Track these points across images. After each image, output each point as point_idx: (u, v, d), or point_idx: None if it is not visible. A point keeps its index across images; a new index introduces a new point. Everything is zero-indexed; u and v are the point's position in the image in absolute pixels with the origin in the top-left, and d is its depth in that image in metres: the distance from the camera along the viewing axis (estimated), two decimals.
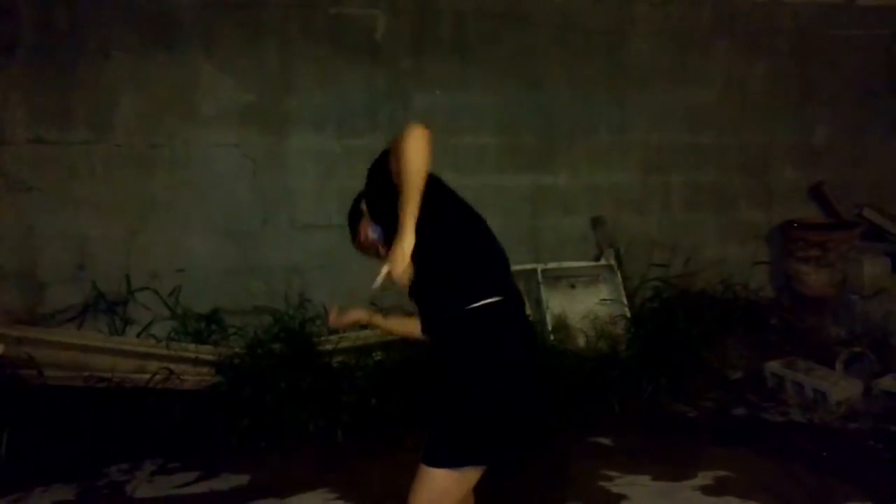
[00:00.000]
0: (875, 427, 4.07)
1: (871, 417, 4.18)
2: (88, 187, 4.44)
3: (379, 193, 2.14)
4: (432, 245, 2.01)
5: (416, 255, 1.95)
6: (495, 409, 2.01)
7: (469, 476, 2.04)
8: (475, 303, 2.03)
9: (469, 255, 2.12)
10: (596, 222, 5.23)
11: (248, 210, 4.70)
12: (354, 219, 2.39)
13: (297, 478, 3.53)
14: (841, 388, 4.34)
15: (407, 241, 1.93)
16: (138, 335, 4.49)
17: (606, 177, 5.30)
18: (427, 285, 2.09)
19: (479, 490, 2.21)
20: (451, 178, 5.35)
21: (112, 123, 4.44)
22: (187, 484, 3.51)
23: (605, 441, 3.94)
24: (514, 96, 5.04)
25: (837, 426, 4.12)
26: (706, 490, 3.40)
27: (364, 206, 2.29)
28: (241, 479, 3.54)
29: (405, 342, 3.70)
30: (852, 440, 3.94)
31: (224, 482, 3.51)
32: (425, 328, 2.24)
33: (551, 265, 5.00)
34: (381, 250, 2.24)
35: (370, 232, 2.26)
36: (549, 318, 4.79)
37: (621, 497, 3.34)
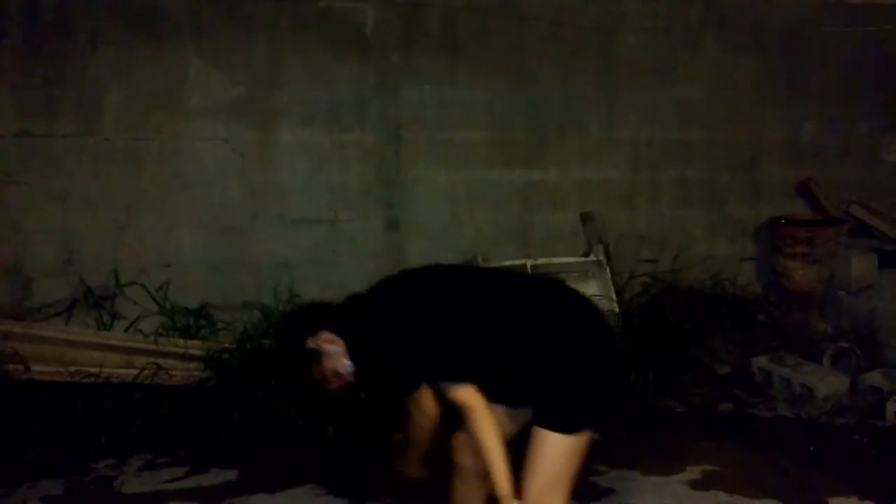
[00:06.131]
0: (861, 422, 4.10)
1: (857, 412, 4.21)
2: (76, 181, 4.40)
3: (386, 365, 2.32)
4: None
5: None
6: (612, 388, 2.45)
7: (588, 439, 2.31)
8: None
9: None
10: (585, 218, 5.23)
11: (237, 205, 4.67)
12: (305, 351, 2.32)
13: (287, 473, 3.52)
14: (828, 383, 4.38)
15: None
16: (126, 330, 4.45)
17: (596, 173, 5.31)
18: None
19: None
20: (441, 174, 5.33)
21: (100, 117, 4.40)
22: (176, 479, 3.50)
23: (594, 435, 3.94)
24: (504, 92, 5.03)
25: (824, 421, 4.15)
26: (694, 484, 3.42)
27: (331, 339, 2.30)
28: (231, 475, 3.53)
29: None
30: (839, 435, 3.97)
31: (213, 477, 3.51)
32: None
33: (541, 261, 4.99)
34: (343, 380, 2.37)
35: (345, 366, 2.34)
36: None
37: (610, 491, 3.36)
